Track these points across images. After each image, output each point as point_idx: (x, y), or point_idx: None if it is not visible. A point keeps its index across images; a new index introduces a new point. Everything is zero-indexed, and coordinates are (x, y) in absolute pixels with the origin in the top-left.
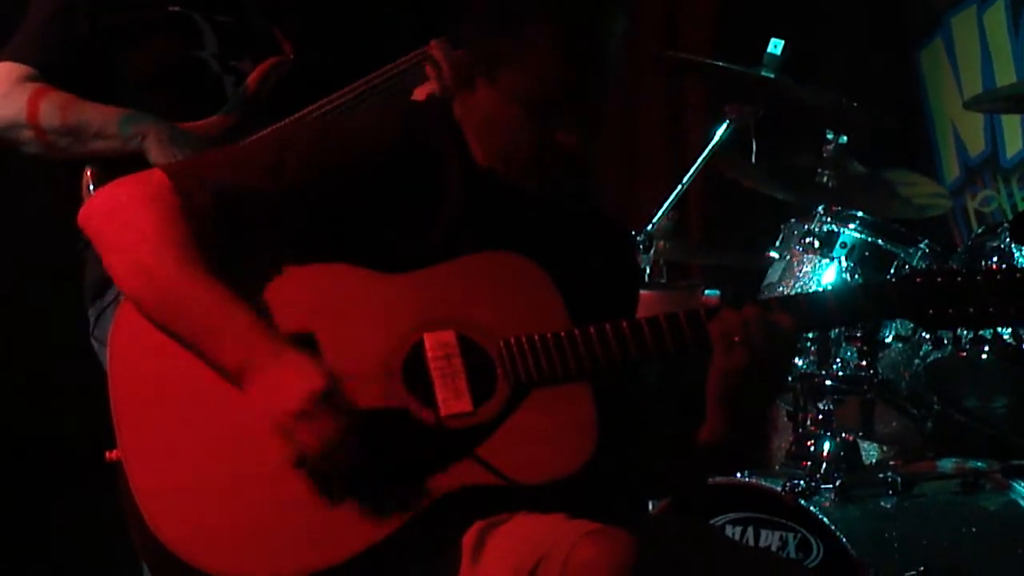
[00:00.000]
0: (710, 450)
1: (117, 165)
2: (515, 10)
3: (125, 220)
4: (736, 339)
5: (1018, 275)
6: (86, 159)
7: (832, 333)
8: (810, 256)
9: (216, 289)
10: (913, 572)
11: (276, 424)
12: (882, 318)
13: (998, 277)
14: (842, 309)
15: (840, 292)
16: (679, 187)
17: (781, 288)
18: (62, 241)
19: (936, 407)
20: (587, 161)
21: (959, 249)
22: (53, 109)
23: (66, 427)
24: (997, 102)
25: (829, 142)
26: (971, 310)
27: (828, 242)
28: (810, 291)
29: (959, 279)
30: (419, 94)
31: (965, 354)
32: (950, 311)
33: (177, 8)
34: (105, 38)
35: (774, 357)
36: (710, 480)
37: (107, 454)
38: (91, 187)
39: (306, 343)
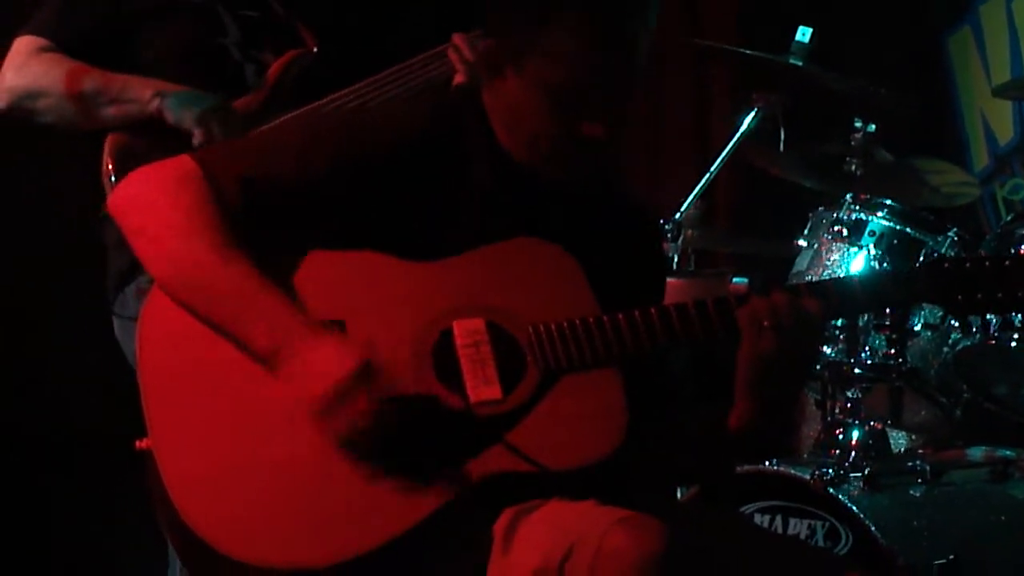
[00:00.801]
0: (738, 436)
1: (136, 156)
2: (545, 2)
3: (155, 206)
4: (765, 324)
5: None
6: (102, 129)
7: (860, 321)
8: (838, 244)
9: (247, 273)
10: (942, 560)
11: (313, 407)
12: (911, 303)
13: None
14: (870, 295)
15: (868, 278)
16: (707, 176)
17: (809, 276)
18: (81, 229)
19: (965, 395)
20: (613, 151)
21: (988, 237)
22: (85, 74)
23: (94, 417)
24: None
25: (857, 130)
26: (1000, 295)
27: (856, 230)
28: (836, 278)
29: (988, 263)
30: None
31: (994, 341)
32: (979, 296)
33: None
34: (129, 21)
35: (803, 343)
36: (739, 468)
37: (137, 443)
38: (112, 178)
39: (337, 329)
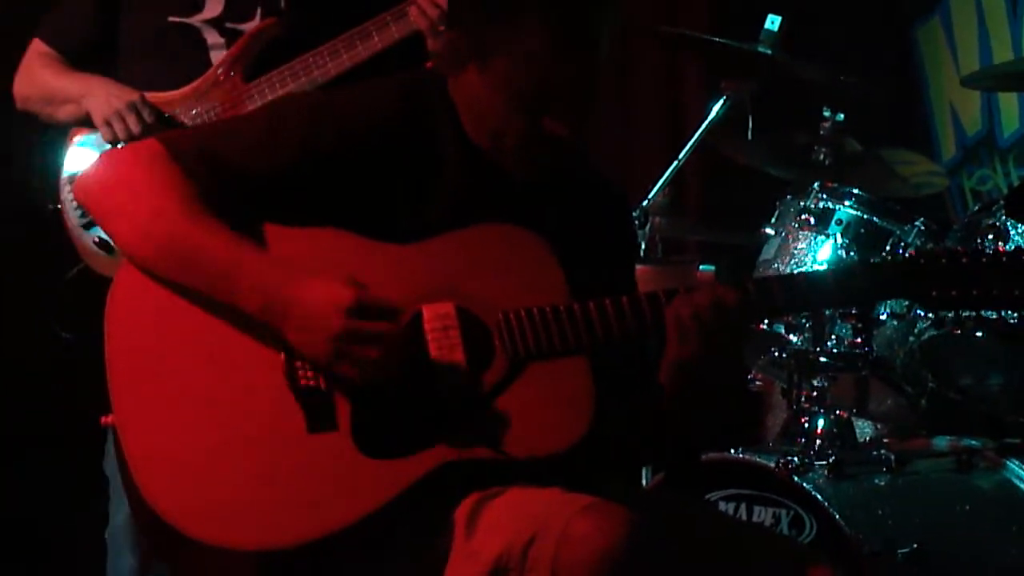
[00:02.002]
0: (673, 424)
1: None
2: (509, 1)
3: (125, 183)
4: (686, 323)
5: (1018, 261)
6: (63, 126)
7: (827, 310)
8: (805, 233)
9: (224, 234)
10: (906, 549)
11: (325, 355)
12: (885, 299)
13: (1004, 260)
14: (843, 290)
15: (841, 272)
16: (675, 163)
17: (776, 264)
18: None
19: (931, 385)
20: (576, 148)
21: (955, 227)
22: (35, 81)
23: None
24: (994, 80)
25: (826, 119)
26: (975, 292)
27: (824, 219)
28: (809, 271)
29: (964, 260)
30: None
31: (960, 332)
32: (954, 293)
33: None
34: (113, 11)
35: (723, 342)
36: (704, 456)
37: (102, 419)
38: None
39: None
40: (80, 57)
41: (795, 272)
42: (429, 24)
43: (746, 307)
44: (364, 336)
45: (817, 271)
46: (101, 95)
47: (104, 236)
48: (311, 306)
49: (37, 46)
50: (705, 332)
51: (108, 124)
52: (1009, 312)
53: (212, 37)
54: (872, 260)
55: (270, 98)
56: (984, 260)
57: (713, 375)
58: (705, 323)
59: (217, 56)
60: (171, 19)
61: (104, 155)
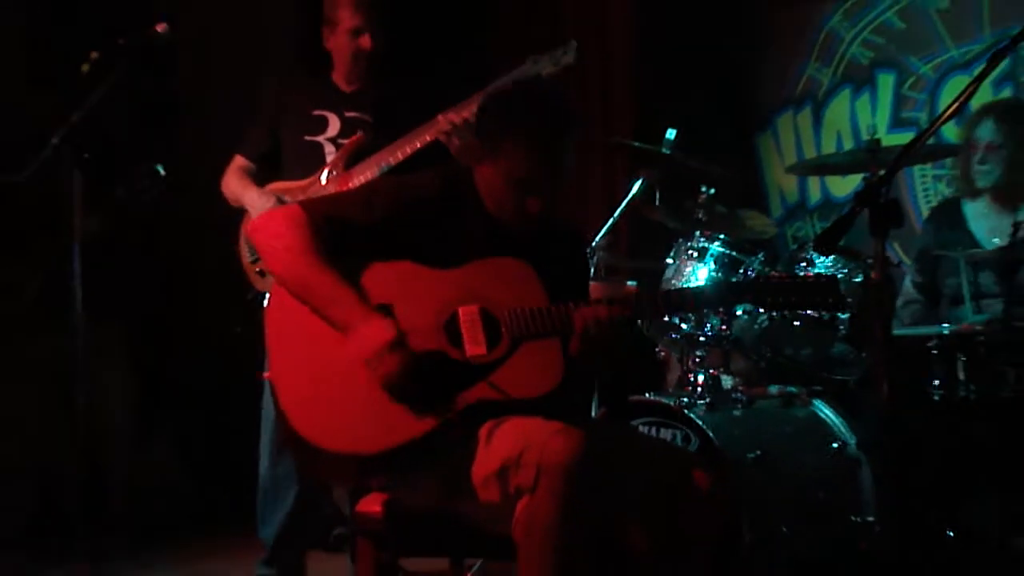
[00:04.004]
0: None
1: None
2: (503, 130)
3: (275, 233)
4: (586, 324)
5: (818, 280)
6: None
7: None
8: (691, 262)
9: (331, 277)
10: (752, 455)
11: (365, 360)
12: (739, 303)
13: (810, 280)
14: (721, 298)
15: (712, 287)
16: (611, 219)
17: (673, 281)
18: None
19: (768, 355)
20: (549, 214)
21: (782, 259)
22: (229, 186)
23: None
24: (804, 169)
25: (703, 193)
26: (792, 299)
27: (702, 254)
28: (693, 286)
29: (786, 280)
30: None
31: (784, 322)
32: (780, 299)
33: (319, 112)
34: (276, 136)
35: (607, 340)
36: (630, 398)
37: (262, 375)
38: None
39: (386, 310)
40: (262, 161)
41: (683, 287)
42: (452, 128)
43: (613, 318)
44: (390, 359)
45: (700, 286)
46: (254, 197)
47: (262, 268)
48: (363, 339)
49: (237, 160)
50: (589, 327)
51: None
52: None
53: (329, 148)
54: (732, 279)
55: (362, 179)
56: (798, 280)
57: (604, 350)
58: (589, 322)
59: (330, 158)
60: (306, 138)
61: (266, 212)
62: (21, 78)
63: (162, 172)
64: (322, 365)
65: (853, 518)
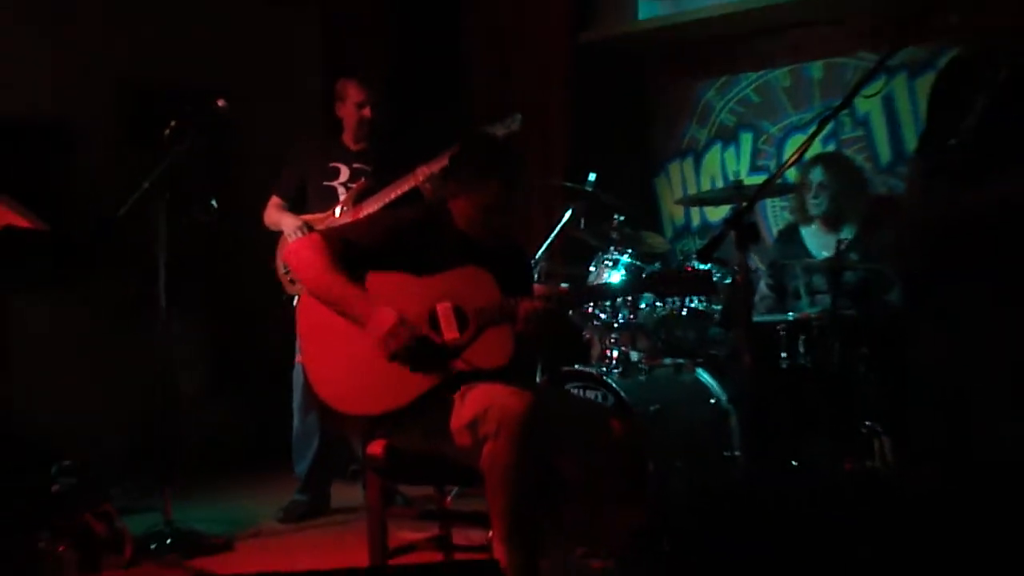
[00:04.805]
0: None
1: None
2: (478, 172)
3: (301, 257)
4: (525, 314)
5: (695, 275)
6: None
7: (618, 301)
8: (607, 269)
9: (347, 285)
10: (653, 409)
11: (381, 338)
12: (643, 292)
13: (687, 276)
14: (626, 290)
15: (623, 282)
16: (549, 238)
17: (595, 282)
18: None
19: (663, 336)
20: (507, 230)
21: (672, 265)
22: (271, 217)
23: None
24: (688, 201)
25: (615, 219)
26: (676, 289)
27: (615, 263)
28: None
29: (671, 275)
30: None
31: (674, 311)
32: (668, 289)
33: (334, 164)
34: (303, 179)
35: (543, 326)
36: (564, 368)
37: (296, 359)
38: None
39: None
40: (294, 198)
41: (601, 283)
42: (426, 178)
43: (549, 309)
44: (397, 336)
45: (614, 283)
46: (289, 223)
47: (292, 278)
48: (377, 324)
49: (274, 199)
50: (531, 316)
51: (292, 234)
52: (695, 300)
53: (341, 190)
54: (640, 274)
55: (368, 211)
56: (683, 275)
57: (543, 333)
58: (531, 312)
59: (342, 198)
60: (324, 183)
61: (296, 241)
62: (124, 140)
63: (215, 205)
64: (340, 351)
65: (725, 453)
